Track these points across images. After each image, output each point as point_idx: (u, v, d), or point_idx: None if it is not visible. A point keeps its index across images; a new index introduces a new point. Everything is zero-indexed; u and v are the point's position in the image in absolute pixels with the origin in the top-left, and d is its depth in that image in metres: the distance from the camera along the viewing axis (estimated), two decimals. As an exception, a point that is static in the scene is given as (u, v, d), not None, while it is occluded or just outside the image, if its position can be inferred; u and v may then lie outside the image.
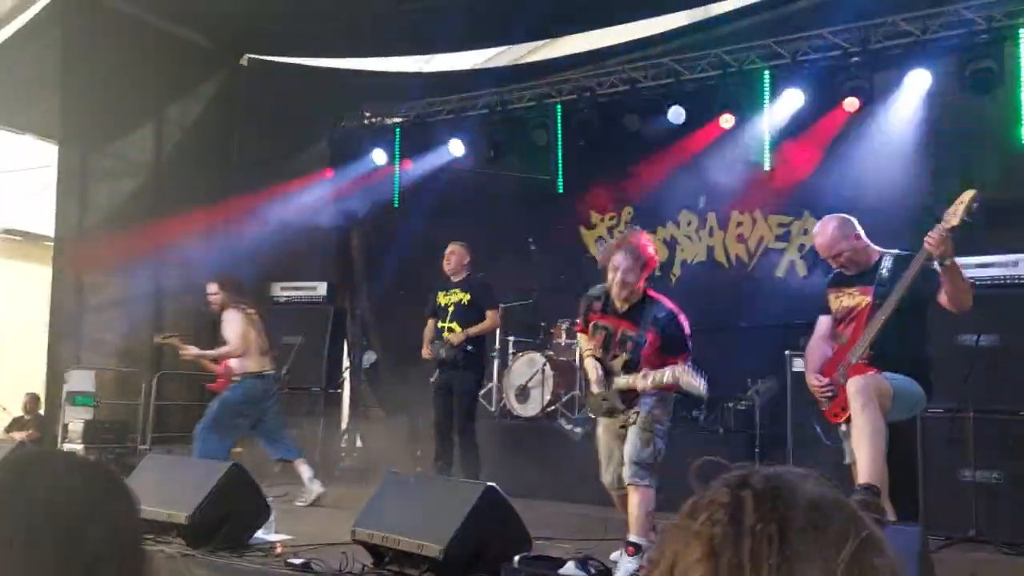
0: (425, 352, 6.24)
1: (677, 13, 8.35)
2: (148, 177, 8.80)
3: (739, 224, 7.89)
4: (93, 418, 7.60)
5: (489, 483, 3.91)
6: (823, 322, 3.98)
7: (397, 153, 9.31)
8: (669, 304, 4.21)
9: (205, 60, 9.19)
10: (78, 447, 7.27)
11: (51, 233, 8.32)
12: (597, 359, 4.24)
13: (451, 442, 6.09)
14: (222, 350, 6.13)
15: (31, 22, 7.81)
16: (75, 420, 7.48)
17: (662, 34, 8.27)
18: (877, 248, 3.89)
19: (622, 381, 4.11)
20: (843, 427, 3.71)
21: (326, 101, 9.54)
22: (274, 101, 9.35)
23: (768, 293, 7.50)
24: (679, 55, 7.94)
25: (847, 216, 3.95)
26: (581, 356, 4.59)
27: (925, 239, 3.41)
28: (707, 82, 7.87)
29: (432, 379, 6.18)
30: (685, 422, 7.06)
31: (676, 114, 7.93)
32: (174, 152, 9.07)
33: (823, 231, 3.88)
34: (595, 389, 4.29)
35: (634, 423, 4.09)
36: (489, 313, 6.12)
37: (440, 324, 6.06)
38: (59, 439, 7.46)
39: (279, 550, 4.33)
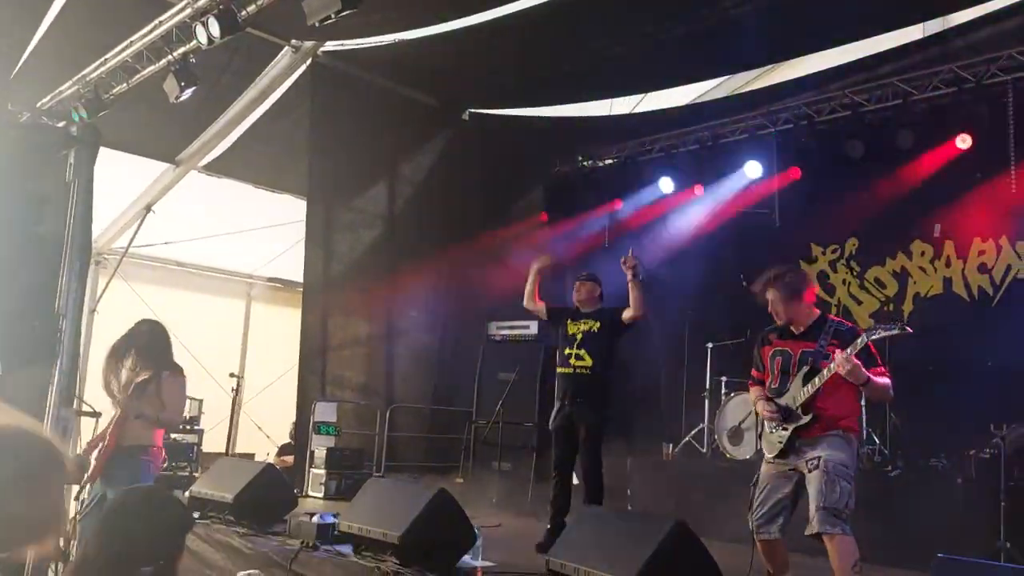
0: None
1: (905, 29, 7.72)
2: (383, 228, 9.67)
3: (981, 252, 7.10)
4: (335, 446, 8.37)
5: (679, 519, 3.85)
6: None
7: (610, 194, 9.52)
8: (848, 322, 4.35)
9: (432, 118, 9.94)
10: (320, 472, 8.05)
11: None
12: (768, 399, 4.24)
13: (570, 487, 5.74)
14: None
15: (284, 97, 8.93)
16: (319, 447, 8.29)
17: (888, 51, 7.70)
18: None
19: (806, 390, 4.05)
20: None
21: (541, 148, 9.98)
22: (494, 152, 9.93)
23: (1017, 329, 6.65)
24: (907, 74, 7.44)
25: None
26: (755, 409, 4.53)
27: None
28: (940, 101, 7.31)
29: (551, 418, 5.84)
30: (923, 469, 6.44)
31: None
32: (405, 205, 9.90)
33: None
34: (768, 428, 4.22)
35: (816, 467, 3.91)
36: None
37: (567, 351, 5.75)
38: (307, 464, 8.29)
39: (479, 575, 4.52)
